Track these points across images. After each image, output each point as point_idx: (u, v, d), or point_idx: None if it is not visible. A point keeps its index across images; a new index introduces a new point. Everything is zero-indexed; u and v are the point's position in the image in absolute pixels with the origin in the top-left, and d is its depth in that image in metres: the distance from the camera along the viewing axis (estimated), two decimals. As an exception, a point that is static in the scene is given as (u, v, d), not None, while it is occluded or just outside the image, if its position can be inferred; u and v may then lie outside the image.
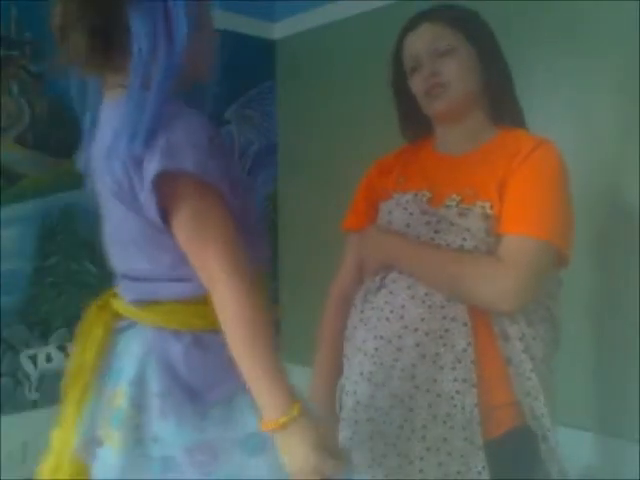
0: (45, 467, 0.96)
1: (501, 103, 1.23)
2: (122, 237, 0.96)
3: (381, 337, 1.10)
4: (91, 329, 0.98)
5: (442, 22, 1.19)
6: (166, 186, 0.85)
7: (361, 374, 1.12)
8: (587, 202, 1.96)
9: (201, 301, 0.90)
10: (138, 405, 0.91)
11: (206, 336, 0.92)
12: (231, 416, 0.89)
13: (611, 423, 1.93)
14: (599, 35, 1.93)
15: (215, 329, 0.89)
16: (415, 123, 1.31)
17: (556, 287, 1.18)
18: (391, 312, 1.10)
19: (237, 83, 2.92)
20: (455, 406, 1.04)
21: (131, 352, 0.94)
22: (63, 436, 0.96)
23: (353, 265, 1.30)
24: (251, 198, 1.03)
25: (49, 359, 2.35)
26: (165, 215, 0.87)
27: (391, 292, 1.12)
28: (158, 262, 0.93)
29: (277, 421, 0.83)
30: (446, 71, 1.17)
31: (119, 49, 0.89)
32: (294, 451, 0.84)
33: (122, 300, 0.99)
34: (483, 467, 1.04)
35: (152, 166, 0.83)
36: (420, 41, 1.20)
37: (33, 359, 2.33)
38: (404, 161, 1.30)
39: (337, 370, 1.27)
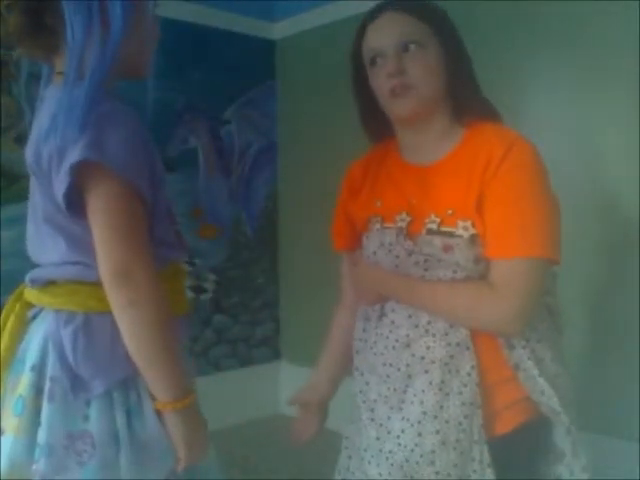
0: None
1: (466, 101, 1.15)
2: (37, 219, 0.99)
3: (390, 364, 1.11)
4: (6, 321, 1.01)
5: (407, 13, 1.12)
6: (85, 176, 0.88)
7: (379, 395, 1.13)
8: (587, 202, 1.96)
9: (98, 283, 0.92)
10: (38, 389, 0.93)
11: (98, 318, 0.94)
12: (110, 410, 0.93)
13: (611, 423, 1.93)
14: (600, 37, 1.93)
15: (110, 311, 0.92)
16: (377, 123, 1.25)
17: (551, 282, 1.17)
18: (397, 341, 1.10)
19: (237, 83, 2.92)
20: (464, 431, 1.05)
21: (35, 339, 0.97)
22: None
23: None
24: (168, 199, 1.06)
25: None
26: (76, 202, 0.90)
27: (393, 322, 1.12)
28: (59, 245, 0.96)
29: (170, 404, 0.93)
30: (412, 71, 1.09)
31: (55, 34, 0.93)
32: (179, 432, 0.95)
33: (29, 287, 1.02)
34: None
35: (75, 153, 0.86)
36: (384, 32, 1.12)
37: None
38: (373, 175, 1.25)
39: (339, 367, 1.34)
